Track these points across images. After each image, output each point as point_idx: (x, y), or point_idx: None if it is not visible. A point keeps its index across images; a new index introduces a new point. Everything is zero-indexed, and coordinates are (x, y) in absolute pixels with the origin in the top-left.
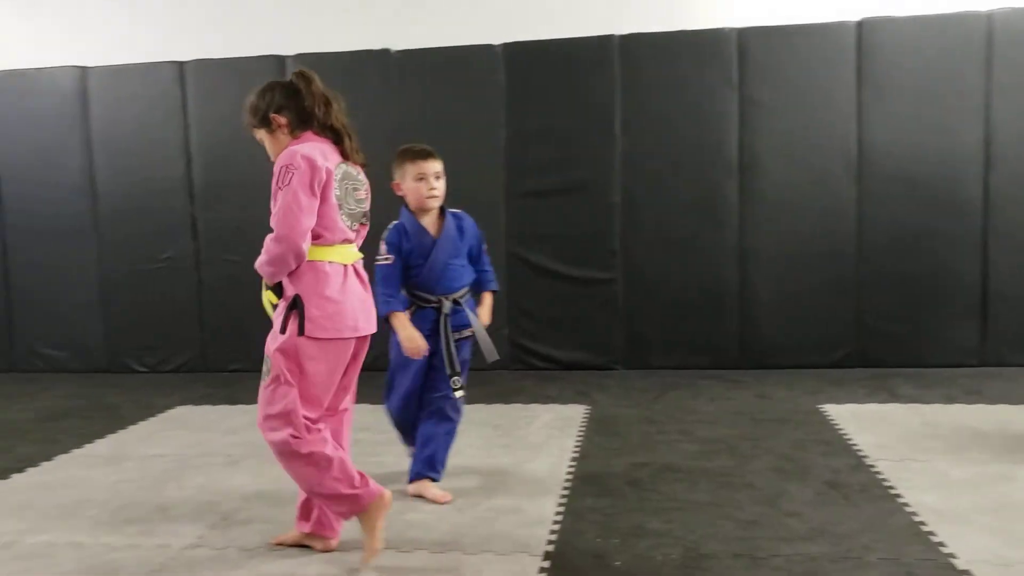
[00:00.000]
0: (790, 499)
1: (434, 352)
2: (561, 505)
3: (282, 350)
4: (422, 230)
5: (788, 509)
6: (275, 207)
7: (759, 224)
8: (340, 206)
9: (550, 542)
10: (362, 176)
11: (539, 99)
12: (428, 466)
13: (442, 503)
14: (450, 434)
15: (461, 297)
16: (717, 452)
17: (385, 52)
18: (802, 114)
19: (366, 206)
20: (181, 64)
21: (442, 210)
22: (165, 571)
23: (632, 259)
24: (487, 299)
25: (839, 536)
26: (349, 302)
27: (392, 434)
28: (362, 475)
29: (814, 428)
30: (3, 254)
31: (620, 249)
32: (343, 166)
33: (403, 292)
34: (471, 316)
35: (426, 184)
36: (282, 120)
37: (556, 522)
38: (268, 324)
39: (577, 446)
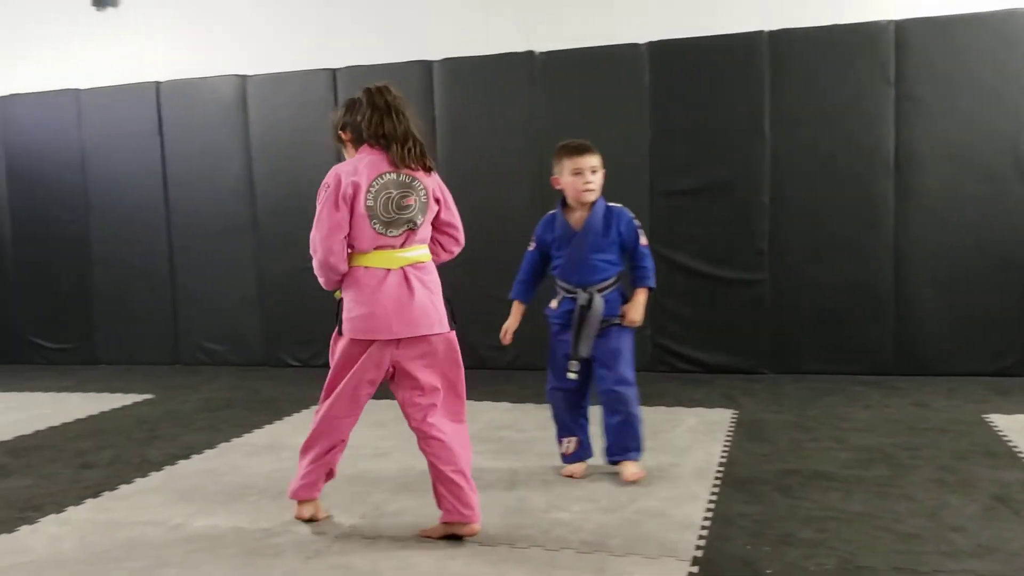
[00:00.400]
0: (953, 513)
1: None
2: (709, 510)
3: (332, 347)
4: (566, 223)
5: (952, 523)
6: None
7: (917, 225)
8: (371, 216)
9: (698, 547)
10: (418, 182)
11: (685, 97)
12: (610, 452)
13: (628, 481)
14: (625, 423)
15: (602, 290)
16: (872, 461)
17: (529, 54)
18: (966, 110)
19: (413, 212)
20: (334, 71)
21: (597, 203)
22: (320, 557)
23: (781, 260)
24: (638, 296)
25: (1011, 554)
26: (381, 305)
27: (532, 433)
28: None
29: (979, 439)
30: (169, 253)
31: (768, 250)
32: (388, 176)
33: (557, 281)
34: (595, 308)
35: (582, 178)
36: (345, 136)
37: (704, 527)
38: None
39: (724, 451)
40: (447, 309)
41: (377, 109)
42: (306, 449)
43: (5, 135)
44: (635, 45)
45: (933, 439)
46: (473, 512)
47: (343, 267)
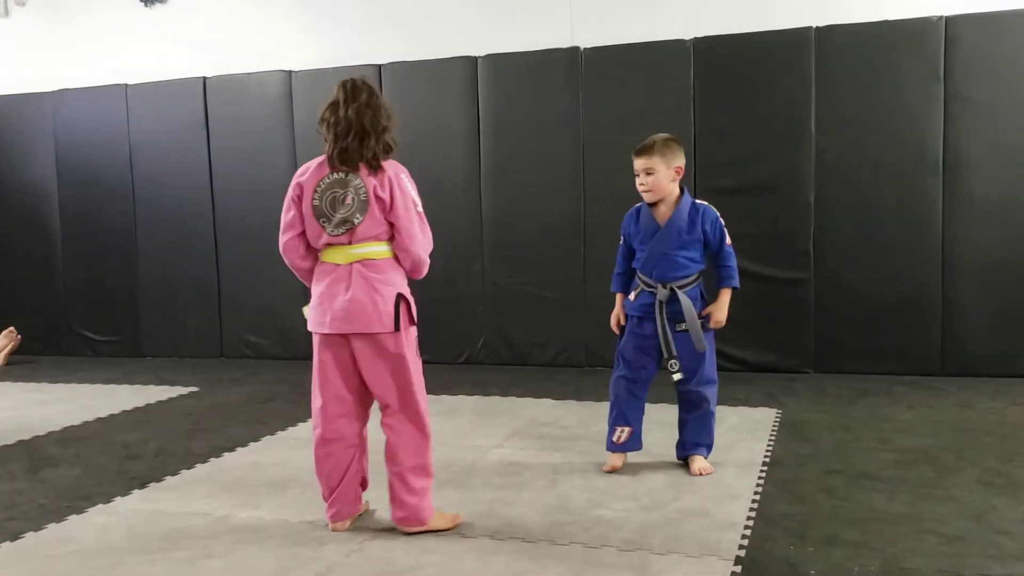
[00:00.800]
0: (1000, 516)
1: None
2: (752, 510)
3: None
4: (651, 218)
5: (998, 526)
6: None
7: (965, 225)
8: (317, 215)
9: (741, 547)
10: (359, 181)
11: (730, 94)
12: (682, 447)
13: (696, 474)
14: (702, 418)
15: (682, 287)
16: (917, 462)
17: (574, 50)
18: (1018, 109)
19: (350, 212)
20: (379, 67)
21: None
22: (363, 551)
23: (825, 261)
24: (723, 296)
25: None
26: (324, 299)
27: (574, 429)
28: (352, 502)
29: None
30: (215, 247)
31: (813, 249)
32: (333, 175)
33: (638, 274)
34: (684, 304)
35: (637, 179)
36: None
37: (747, 527)
38: (452, 320)
39: (768, 450)
40: (399, 309)
41: (329, 106)
42: (322, 470)
43: (56, 129)
44: (680, 41)
45: (979, 441)
46: (403, 514)
47: (300, 263)
